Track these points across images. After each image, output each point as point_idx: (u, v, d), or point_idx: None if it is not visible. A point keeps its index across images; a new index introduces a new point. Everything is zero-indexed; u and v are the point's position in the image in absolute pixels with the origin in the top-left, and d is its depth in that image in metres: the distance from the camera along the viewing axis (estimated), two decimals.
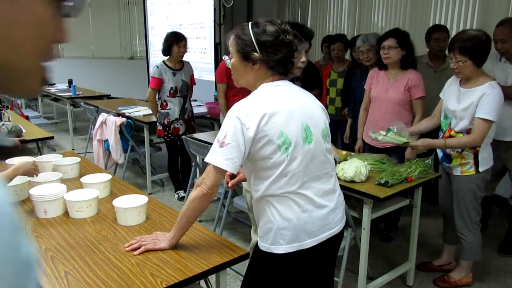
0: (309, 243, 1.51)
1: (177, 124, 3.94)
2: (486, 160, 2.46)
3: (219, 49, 5.69)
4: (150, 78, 3.96)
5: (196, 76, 4.20)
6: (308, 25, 5.86)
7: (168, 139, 4.00)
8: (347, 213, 1.86)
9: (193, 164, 3.56)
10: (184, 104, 3.96)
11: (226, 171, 1.45)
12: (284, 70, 1.50)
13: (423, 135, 2.71)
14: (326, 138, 1.56)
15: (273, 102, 1.46)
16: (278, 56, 1.46)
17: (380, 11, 4.98)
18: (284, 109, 1.45)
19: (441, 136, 2.53)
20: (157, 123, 4.02)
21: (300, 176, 1.47)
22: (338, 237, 1.62)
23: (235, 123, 1.43)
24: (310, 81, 4.04)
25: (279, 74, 1.51)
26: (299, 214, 1.49)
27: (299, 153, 1.46)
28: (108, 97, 6.33)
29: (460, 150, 2.44)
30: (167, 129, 3.94)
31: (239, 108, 1.47)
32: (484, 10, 4.02)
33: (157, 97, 3.96)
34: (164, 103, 3.93)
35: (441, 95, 2.61)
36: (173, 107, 3.91)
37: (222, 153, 1.42)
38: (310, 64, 4.20)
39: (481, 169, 2.44)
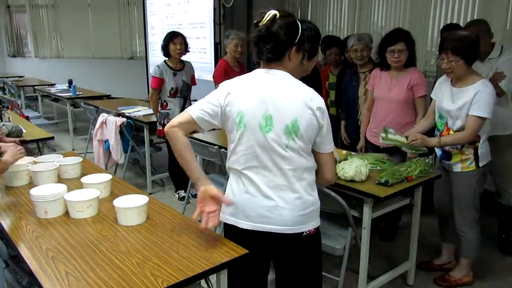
0: (244, 224, 1.60)
1: None
2: (485, 155, 2.51)
3: (219, 49, 5.69)
4: (151, 77, 3.96)
5: (196, 76, 4.19)
6: None
7: (167, 140, 3.99)
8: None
9: None
10: (184, 105, 3.96)
11: (193, 122, 1.58)
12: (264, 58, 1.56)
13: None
14: (291, 135, 1.52)
15: (244, 84, 1.58)
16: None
17: (380, 11, 4.98)
18: (251, 93, 1.54)
19: (438, 135, 2.54)
20: (158, 123, 4.02)
21: (249, 159, 1.56)
22: (285, 239, 1.59)
23: (218, 89, 1.61)
24: (310, 81, 4.03)
25: (266, 62, 1.57)
26: (242, 193, 1.60)
27: (250, 137, 1.54)
28: (108, 97, 6.33)
29: (459, 146, 2.47)
30: None
31: (227, 81, 1.63)
32: (484, 10, 4.02)
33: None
34: (164, 103, 3.93)
35: (432, 95, 2.65)
36: (174, 108, 3.91)
37: (198, 104, 1.61)
38: None
39: (481, 164, 2.48)
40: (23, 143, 3.22)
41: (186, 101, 3.98)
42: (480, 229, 2.63)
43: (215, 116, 1.59)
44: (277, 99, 1.52)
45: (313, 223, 1.63)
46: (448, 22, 4.26)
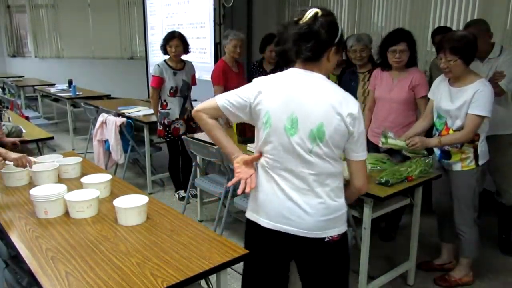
0: (264, 222, 1.59)
1: (177, 124, 3.94)
2: (484, 153, 2.53)
3: (219, 49, 5.68)
4: (151, 77, 3.96)
5: (196, 75, 4.19)
6: None
7: (168, 139, 4.00)
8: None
9: (193, 164, 3.56)
10: (184, 104, 3.96)
11: (217, 109, 1.59)
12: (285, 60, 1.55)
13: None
14: (315, 140, 1.47)
15: (276, 83, 1.54)
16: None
17: (380, 11, 4.97)
18: (279, 93, 1.51)
19: (436, 135, 2.55)
20: (158, 123, 4.02)
21: (273, 159, 1.55)
22: (306, 242, 1.56)
23: (250, 85, 1.59)
24: None
25: (303, 62, 1.52)
26: (267, 190, 1.58)
27: (275, 138, 1.52)
28: (108, 97, 6.33)
29: (459, 145, 2.48)
30: (167, 129, 3.94)
31: (261, 78, 1.60)
32: (484, 10, 4.02)
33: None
34: (164, 103, 3.93)
35: (429, 95, 2.66)
36: (173, 107, 3.91)
37: (227, 93, 1.60)
38: None
39: (480, 162, 2.50)
40: (23, 143, 3.22)
41: (186, 101, 3.98)
42: (480, 229, 2.63)
43: (241, 110, 1.57)
44: (304, 102, 1.48)
45: (337, 229, 1.57)
46: (448, 22, 4.26)
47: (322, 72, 1.53)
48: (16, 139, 3.11)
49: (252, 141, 3.16)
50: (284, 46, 1.75)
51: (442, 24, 4.24)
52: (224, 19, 6.02)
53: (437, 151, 2.63)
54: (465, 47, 2.31)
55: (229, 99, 1.58)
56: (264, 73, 3.95)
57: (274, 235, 1.58)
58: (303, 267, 1.67)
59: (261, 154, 1.59)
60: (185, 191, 3.96)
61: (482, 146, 2.50)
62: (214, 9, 5.49)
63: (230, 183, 1.62)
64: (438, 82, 2.59)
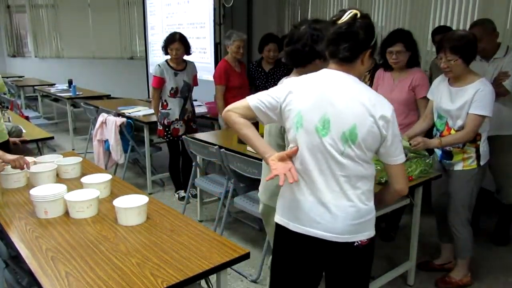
0: (294, 226, 1.57)
1: (177, 125, 3.94)
2: (486, 153, 2.52)
3: (219, 49, 5.68)
4: (151, 77, 3.95)
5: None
6: None
7: (168, 140, 4.00)
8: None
9: (193, 164, 3.56)
10: (185, 105, 3.95)
11: (250, 109, 1.56)
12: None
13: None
14: (347, 142, 1.45)
15: (307, 83, 1.53)
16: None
17: (380, 11, 4.97)
18: (311, 93, 1.49)
19: (437, 136, 2.55)
20: (158, 123, 4.02)
21: (304, 160, 1.51)
22: (335, 247, 1.53)
23: (281, 85, 1.58)
24: None
25: (338, 63, 1.51)
26: (296, 193, 1.56)
27: (307, 139, 1.49)
28: (108, 97, 6.33)
29: (461, 145, 2.47)
30: (167, 129, 3.94)
31: (292, 78, 1.60)
32: (484, 10, 4.01)
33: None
34: (165, 103, 3.92)
35: (428, 96, 2.66)
36: (173, 108, 3.91)
37: (258, 94, 1.59)
38: None
39: (482, 163, 2.50)
40: (23, 142, 3.22)
41: (186, 102, 3.97)
42: (480, 229, 2.65)
43: (272, 110, 1.56)
44: (337, 103, 1.46)
45: (367, 233, 1.56)
46: (448, 22, 4.26)
47: (355, 74, 1.51)
48: (17, 139, 3.11)
49: None
50: (296, 45, 1.76)
51: (442, 24, 4.24)
52: (224, 19, 6.02)
53: (438, 152, 2.63)
54: (465, 47, 2.31)
55: (261, 99, 1.56)
56: (263, 73, 3.95)
57: (303, 240, 1.55)
58: (331, 271, 1.64)
59: (297, 149, 1.54)
60: (185, 191, 3.96)
61: (484, 145, 2.50)
62: (214, 9, 5.49)
63: (268, 178, 1.52)
64: (438, 82, 2.58)
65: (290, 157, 1.54)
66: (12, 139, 3.04)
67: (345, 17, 1.45)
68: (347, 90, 1.47)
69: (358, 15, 1.45)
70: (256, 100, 1.56)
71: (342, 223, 1.50)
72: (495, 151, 2.61)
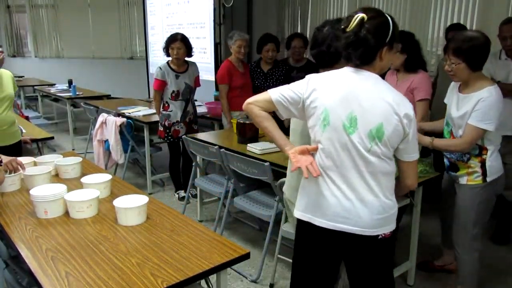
0: (319, 221, 1.58)
1: (178, 127, 3.93)
2: (495, 168, 2.26)
3: (219, 49, 5.68)
4: (153, 79, 3.94)
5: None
6: (308, 25, 5.85)
7: (168, 141, 4.00)
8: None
9: (193, 164, 3.56)
10: (186, 107, 3.95)
11: (271, 102, 1.59)
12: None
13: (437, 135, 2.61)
14: (374, 140, 1.48)
15: (331, 81, 1.54)
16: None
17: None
18: (337, 91, 1.51)
19: None
20: (159, 124, 4.01)
21: (330, 157, 1.53)
22: (361, 240, 1.56)
23: (304, 81, 1.60)
24: None
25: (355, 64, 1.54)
26: (321, 190, 1.57)
27: (333, 136, 1.51)
28: (108, 97, 6.33)
29: (465, 159, 2.28)
30: (168, 130, 3.94)
31: (314, 74, 1.61)
32: (484, 10, 4.02)
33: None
34: (166, 105, 3.92)
35: (445, 100, 2.45)
36: (175, 110, 3.90)
37: (280, 88, 1.61)
38: (310, 62, 4.21)
39: (488, 179, 2.25)
40: (33, 141, 3.25)
41: (188, 104, 3.96)
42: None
43: (294, 105, 1.58)
44: (363, 101, 1.48)
45: (389, 227, 1.60)
46: (448, 22, 4.26)
47: (376, 71, 1.53)
48: (27, 138, 3.13)
49: (252, 141, 3.18)
50: (321, 47, 1.79)
51: (441, 24, 4.24)
52: (224, 19, 6.02)
53: (446, 162, 2.46)
54: (470, 50, 2.08)
55: (283, 93, 1.59)
56: (262, 73, 3.96)
57: (328, 234, 1.58)
58: (355, 264, 1.67)
59: (317, 146, 1.57)
60: (185, 191, 3.96)
61: (491, 160, 2.24)
62: (214, 9, 5.49)
63: (293, 169, 1.58)
64: (452, 87, 2.38)
65: (311, 151, 1.57)
66: (23, 138, 3.05)
67: (352, 24, 1.46)
68: (371, 89, 1.50)
69: (365, 18, 1.44)
70: (278, 94, 1.59)
71: (369, 218, 1.53)
72: (504, 150, 2.41)
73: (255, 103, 1.62)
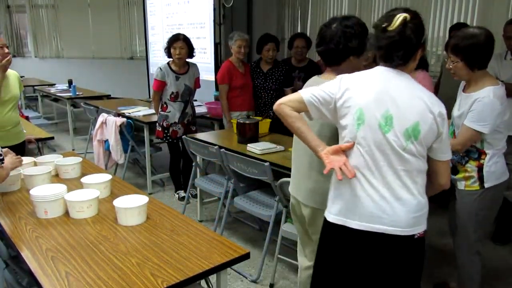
0: (355, 224, 1.54)
1: (176, 128, 3.93)
2: (495, 174, 2.14)
3: (219, 49, 5.68)
4: (153, 79, 3.94)
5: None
6: (308, 25, 5.86)
7: (167, 141, 3.99)
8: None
9: (193, 164, 3.56)
10: (185, 109, 3.94)
11: (302, 102, 1.58)
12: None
13: None
14: (410, 138, 1.46)
15: (365, 80, 1.53)
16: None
17: (380, 11, 4.97)
18: (371, 90, 1.50)
19: None
20: (157, 124, 4.01)
21: (364, 156, 1.51)
22: (397, 240, 1.52)
23: (336, 82, 1.58)
24: (310, 77, 4.03)
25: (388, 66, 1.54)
26: (354, 190, 1.54)
27: (368, 135, 1.49)
28: (108, 97, 6.33)
29: (463, 162, 2.20)
30: (166, 131, 3.94)
31: (346, 74, 1.59)
32: (484, 10, 4.02)
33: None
34: (165, 105, 3.91)
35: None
36: (173, 111, 3.89)
37: (311, 89, 1.59)
38: (312, 63, 4.21)
39: (486, 185, 2.14)
40: (38, 140, 3.26)
41: (187, 106, 3.95)
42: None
43: (326, 105, 1.56)
44: (398, 100, 1.47)
45: (423, 226, 1.57)
46: (448, 22, 4.26)
47: (407, 71, 1.54)
48: (31, 137, 3.14)
49: (252, 141, 3.18)
50: (329, 44, 1.75)
51: (441, 24, 4.24)
52: (224, 19, 6.02)
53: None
54: (468, 48, 2.00)
55: (314, 94, 1.57)
56: (261, 73, 3.96)
57: (363, 236, 1.54)
58: (387, 265, 1.59)
59: (352, 144, 1.54)
60: (185, 191, 3.96)
61: (490, 166, 2.13)
62: (214, 9, 5.49)
63: (326, 171, 1.55)
64: (460, 86, 2.29)
65: (344, 151, 1.56)
66: (28, 137, 3.06)
67: (395, 23, 1.45)
68: (406, 87, 1.50)
69: (408, 18, 1.45)
70: (310, 95, 1.58)
71: (406, 216, 1.51)
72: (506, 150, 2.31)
73: (286, 103, 1.60)
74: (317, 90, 1.58)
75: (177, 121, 3.91)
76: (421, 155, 1.52)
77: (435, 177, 1.62)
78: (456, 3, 4.22)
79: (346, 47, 1.74)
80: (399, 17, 1.45)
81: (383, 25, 1.48)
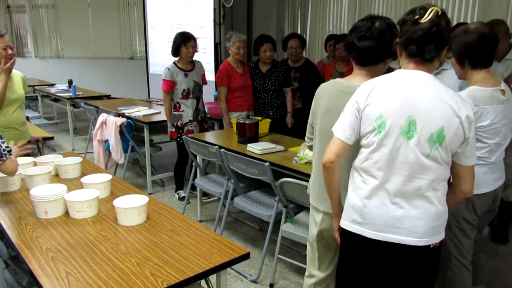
0: (370, 233, 1.50)
1: (191, 126, 3.91)
2: (480, 180, 1.93)
3: (219, 49, 5.69)
4: (162, 81, 3.90)
5: None
6: (308, 25, 5.86)
7: (180, 141, 3.93)
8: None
9: (193, 164, 3.56)
10: (197, 105, 3.93)
11: (345, 144, 1.53)
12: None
13: None
14: (434, 144, 1.40)
15: (386, 85, 1.47)
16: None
17: (380, 11, 4.98)
18: (393, 95, 1.44)
19: None
20: (170, 125, 3.97)
21: (384, 164, 1.45)
22: (413, 251, 1.47)
23: (358, 92, 1.51)
24: (309, 80, 4.03)
25: (416, 62, 1.47)
26: (371, 199, 1.50)
27: (389, 142, 1.43)
28: (108, 97, 6.33)
29: None
30: (180, 131, 3.91)
31: (368, 81, 1.53)
32: (484, 10, 4.02)
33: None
34: (177, 105, 3.89)
35: None
36: (186, 109, 3.88)
37: (339, 121, 1.55)
38: (308, 62, 4.21)
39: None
40: (45, 139, 3.27)
41: (199, 102, 3.94)
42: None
43: (356, 124, 1.51)
44: (422, 104, 1.40)
45: (441, 235, 1.51)
46: None
47: (430, 72, 1.47)
48: (39, 136, 3.15)
49: (252, 141, 3.18)
50: (377, 41, 1.66)
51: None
52: (224, 19, 6.03)
53: None
54: (457, 45, 1.93)
55: (344, 126, 1.52)
56: (260, 74, 3.95)
57: (378, 246, 1.50)
58: (403, 275, 1.54)
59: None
60: (185, 191, 3.95)
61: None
62: (214, 9, 5.49)
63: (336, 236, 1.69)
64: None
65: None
66: (34, 136, 3.08)
67: (429, 16, 1.39)
68: (430, 90, 1.42)
69: (440, 12, 1.41)
70: (342, 132, 1.52)
71: (424, 226, 1.45)
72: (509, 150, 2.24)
73: (337, 158, 1.54)
74: (344, 120, 1.52)
75: (192, 118, 3.90)
76: (445, 162, 1.45)
77: (457, 182, 1.55)
78: (456, 3, 4.22)
79: (390, 47, 1.64)
80: (433, 10, 1.40)
81: (415, 18, 1.42)
